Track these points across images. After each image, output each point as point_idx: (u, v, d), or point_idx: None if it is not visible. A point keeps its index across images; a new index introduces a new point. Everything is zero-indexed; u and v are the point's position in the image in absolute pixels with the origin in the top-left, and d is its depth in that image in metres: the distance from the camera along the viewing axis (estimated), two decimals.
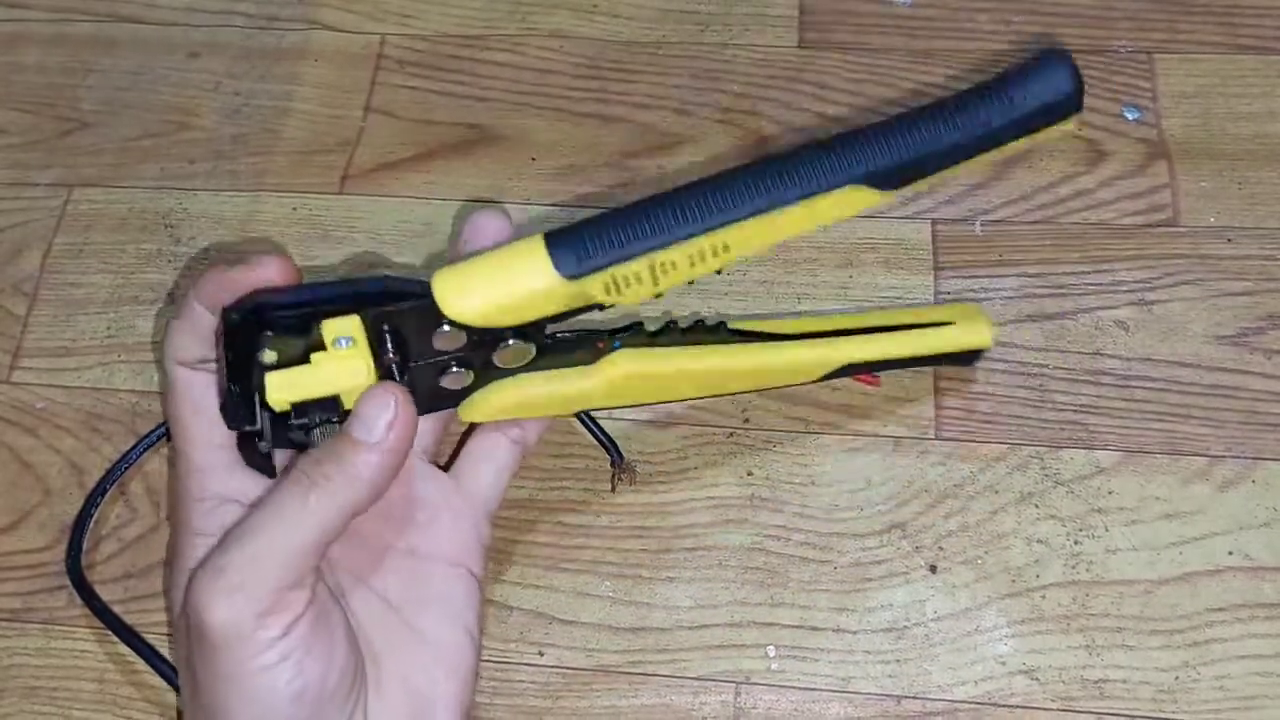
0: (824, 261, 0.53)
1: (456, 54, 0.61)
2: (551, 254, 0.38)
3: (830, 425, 0.49)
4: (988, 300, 0.51)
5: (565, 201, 0.55)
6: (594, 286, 0.38)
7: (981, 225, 0.53)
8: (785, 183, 0.38)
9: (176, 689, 0.45)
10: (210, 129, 0.59)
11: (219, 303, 0.38)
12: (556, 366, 0.43)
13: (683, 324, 0.46)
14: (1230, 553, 0.46)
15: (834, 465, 0.49)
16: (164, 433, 0.49)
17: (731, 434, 0.49)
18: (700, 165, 0.56)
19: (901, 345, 0.47)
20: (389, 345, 0.39)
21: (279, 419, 0.39)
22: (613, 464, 0.48)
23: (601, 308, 0.39)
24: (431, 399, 0.42)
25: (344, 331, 0.38)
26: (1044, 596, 0.45)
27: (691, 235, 0.38)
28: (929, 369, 0.50)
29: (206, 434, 0.39)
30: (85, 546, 0.48)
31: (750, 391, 0.48)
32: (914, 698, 0.44)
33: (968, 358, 0.49)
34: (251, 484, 0.39)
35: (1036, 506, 0.47)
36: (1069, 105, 0.38)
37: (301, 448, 0.40)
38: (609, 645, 0.46)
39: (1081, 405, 0.49)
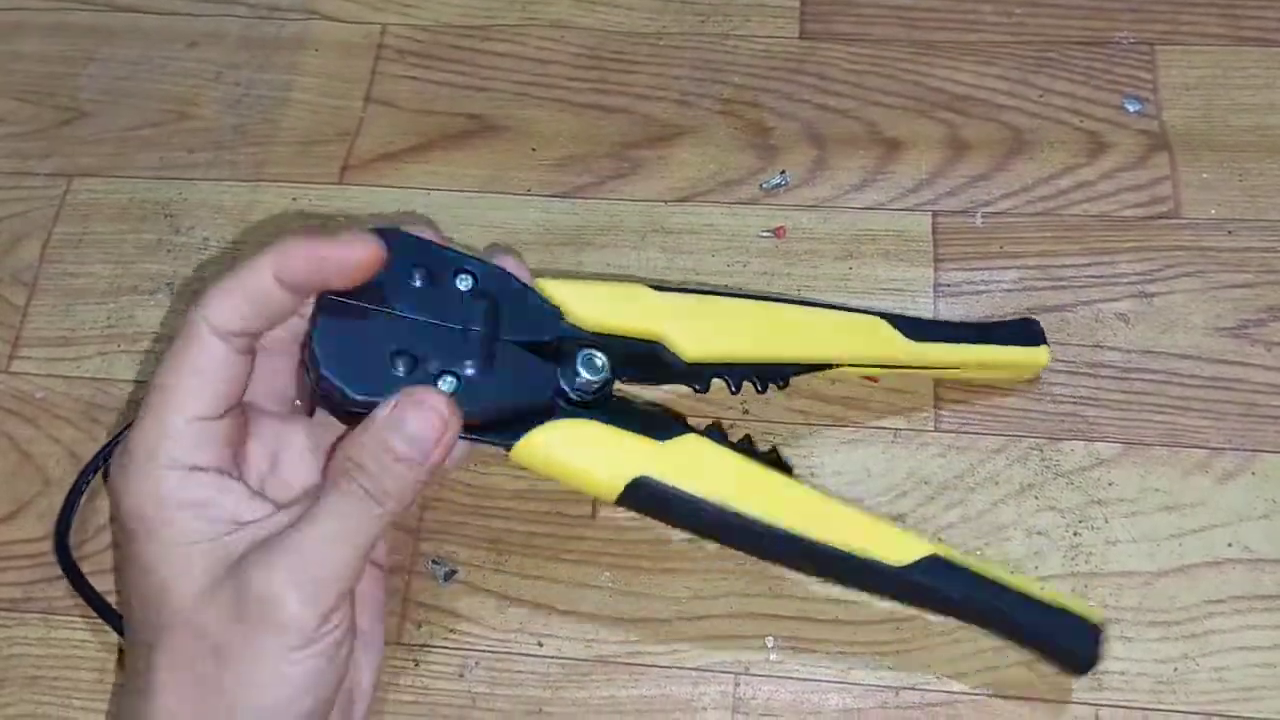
0: (824, 253, 0.53)
1: (457, 44, 0.60)
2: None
3: (830, 417, 0.49)
4: (988, 293, 0.51)
5: (565, 191, 0.55)
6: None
7: (982, 217, 0.53)
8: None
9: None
10: (210, 119, 0.59)
11: (296, 277, 0.36)
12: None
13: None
14: (1229, 545, 0.46)
15: (834, 457, 0.49)
16: None
17: (732, 425, 0.49)
18: (700, 156, 0.56)
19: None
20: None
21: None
22: None
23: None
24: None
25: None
26: (1043, 588, 0.45)
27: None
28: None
29: (195, 403, 0.36)
30: (85, 539, 0.48)
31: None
32: (913, 689, 0.44)
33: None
34: (216, 456, 0.37)
35: (1036, 498, 0.47)
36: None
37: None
38: (608, 636, 0.46)
39: (1081, 397, 0.49)
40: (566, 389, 0.41)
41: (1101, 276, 0.51)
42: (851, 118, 0.56)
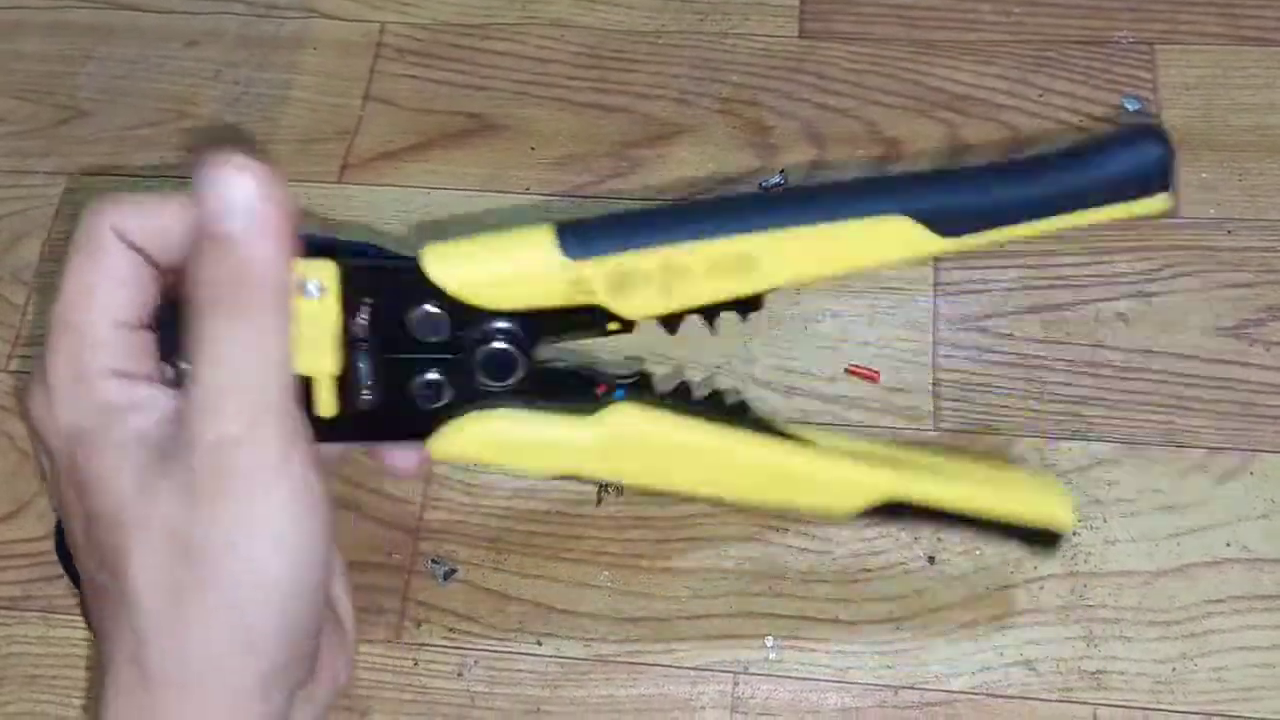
0: None
1: (456, 43, 0.60)
2: (558, 235, 0.34)
3: (830, 415, 0.49)
4: (987, 291, 0.51)
5: (565, 191, 0.55)
6: (597, 276, 0.34)
7: None
8: (823, 201, 0.34)
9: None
10: (209, 118, 0.59)
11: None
12: (552, 406, 0.36)
13: (697, 392, 0.39)
14: (1228, 544, 0.46)
15: None
16: None
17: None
18: (700, 155, 0.56)
19: (968, 493, 0.39)
20: (363, 313, 0.34)
21: None
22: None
23: (605, 327, 0.35)
24: (395, 418, 0.35)
25: (317, 275, 0.32)
26: (1042, 587, 0.45)
27: (708, 235, 0.34)
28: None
29: (118, 309, 0.32)
30: None
31: (763, 506, 0.39)
32: (911, 688, 0.44)
33: (1041, 537, 0.40)
34: (147, 367, 0.33)
35: None
36: (1154, 179, 0.34)
37: None
38: (608, 635, 0.46)
39: (1081, 396, 0.49)
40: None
41: (1101, 276, 0.51)
42: (851, 117, 0.56)
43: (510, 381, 0.36)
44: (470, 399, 0.36)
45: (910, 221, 0.34)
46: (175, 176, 0.57)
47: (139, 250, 0.32)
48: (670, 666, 0.45)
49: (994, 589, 0.46)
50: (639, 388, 0.38)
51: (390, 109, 0.58)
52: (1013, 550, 0.46)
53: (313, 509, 0.31)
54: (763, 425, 0.38)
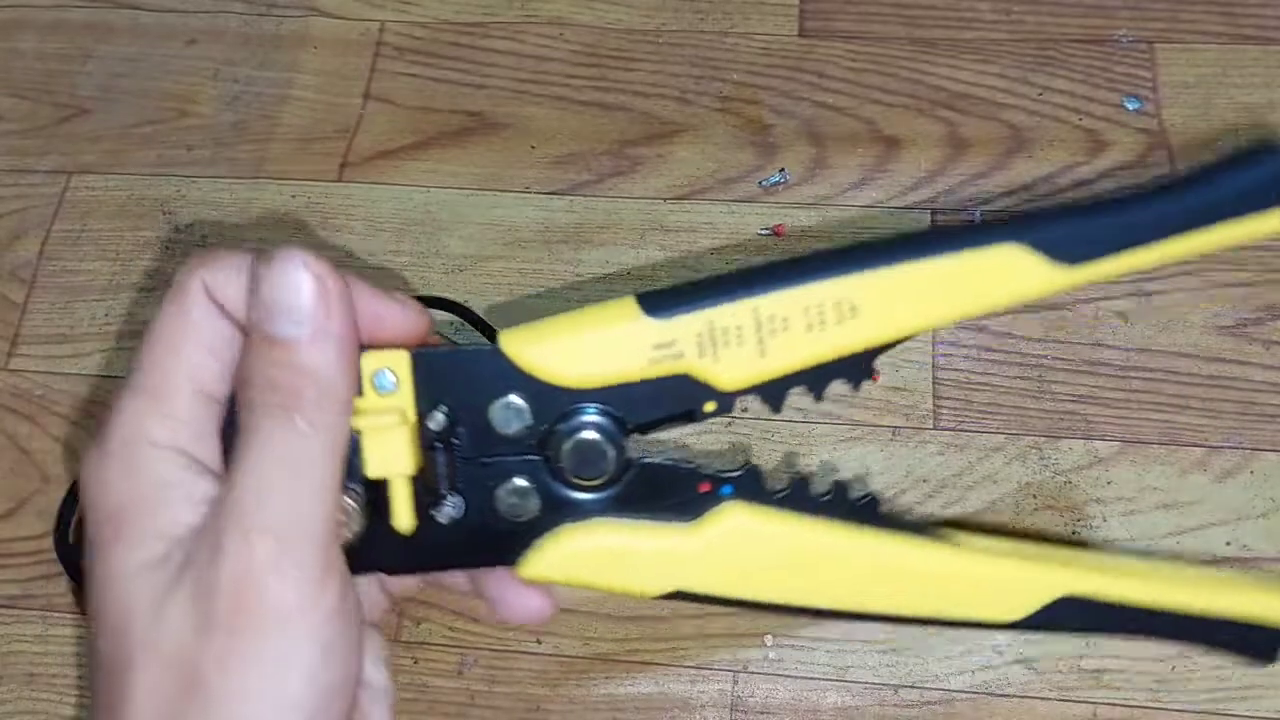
0: None
1: (456, 41, 0.60)
2: (640, 301, 0.31)
3: (828, 414, 0.49)
4: None
5: (564, 190, 0.55)
6: (685, 335, 0.31)
7: (981, 215, 0.53)
8: (926, 238, 0.31)
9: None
10: (209, 116, 0.59)
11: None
12: (648, 514, 0.33)
13: (816, 486, 0.34)
14: (1228, 543, 0.46)
15: (832, 454, 0.49)
16: None
17: (730, 423, 0.49)
18: (700, 153, 0.56)
19: (1163, 586, 0.34)
20: (441, 407, 0.31)
21: None
22: None
23: (701, 408, 0.31)
24: (479, 536, 0.32)
25: (388, 365, 0.30)
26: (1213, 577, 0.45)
27: (801, 279, 0.30)
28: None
29: (196, 378, 0.30)
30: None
31: (907, 617, 0.34)
32: (911, 687, 0.44)
33: (1258, 640, 0.35)
34: (213, 453, 0.30)
35: (1035, 496, 0.47)
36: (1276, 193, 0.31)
37: None
38: (607, 633, 0.46)
39: (1080, 395, 0.49)
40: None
41: None
42: (850, 115, 0.56)
43: (601, 480, 0.32)
44: (560, 509, 0.32)
45: (1026, 250, 0.30)
46: (174, 175, 0.57)
47: (231, 316, 0.30)
48: (670, 665, 0.45)
49: None
50: (748, 483, 0.33)
51: (390, 107, 0.58)
52: None
53: (337, 649, 0.28)
54: (898, 524, 0.34)
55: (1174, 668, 0.44)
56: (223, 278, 0.30)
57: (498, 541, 0.32)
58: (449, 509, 0.32)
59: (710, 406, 0.32)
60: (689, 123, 0.57)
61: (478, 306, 0.52)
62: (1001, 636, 0.45)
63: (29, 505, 0.50)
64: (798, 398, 0.32)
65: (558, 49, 0.60)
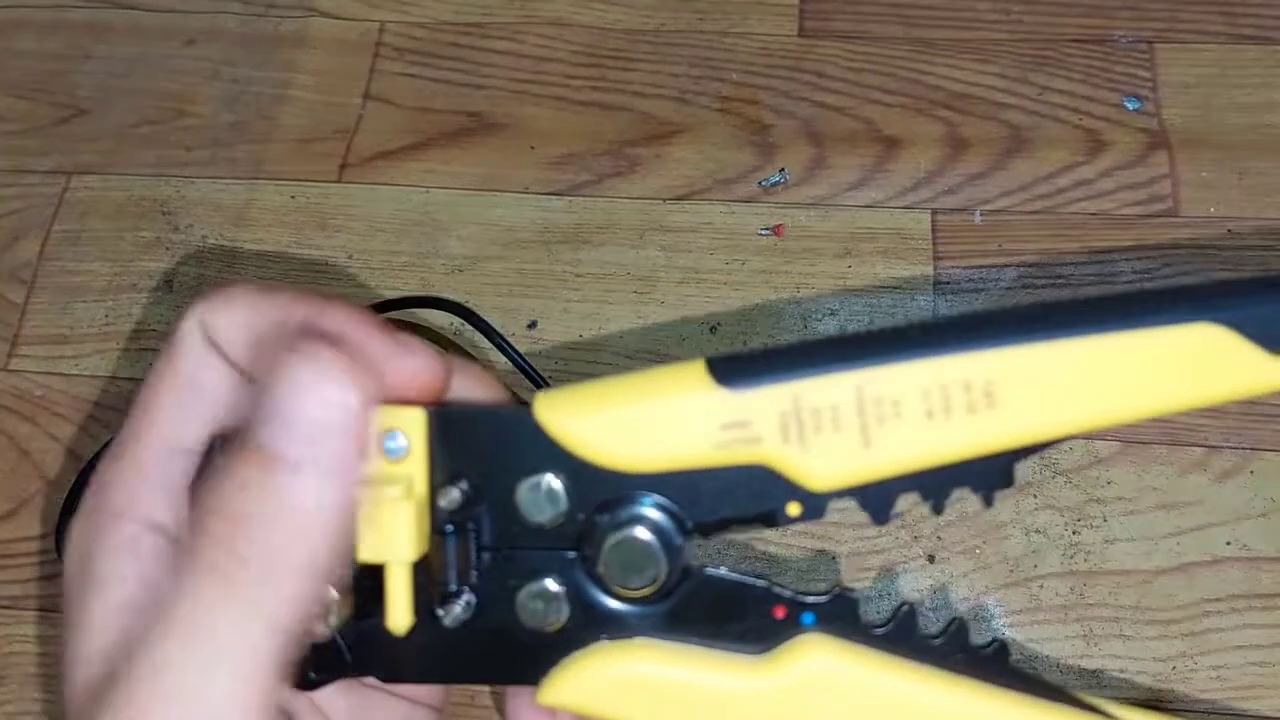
0: (822, 251, 0.53)
1: (455, 41, 0.60)
2: (711, 366, 0.24)
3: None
4: (986, 291, 0.51)
5: (563, 190, 0.55)
6: (766, 414, 0.24)
7: (981, 215, 0.53)
8: (1097, 307, 0.24)
9: None
10: (208, 116, 0.59)
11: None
12: (706, 639, 0.26)
13: (926, 623, 0.28)
14: (1228, 543, 0.46)
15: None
16: None
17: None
18: (699, 153, 0.56)
19: None
20: (458, 482, 0.25)
21: None
22: None
23: (784, 509, 0.25)
24: (492, 645, 0.26)
25: (399, 424, 0.24)
26: (1042, 586, 0.45)
27: (925, 352, 0.23)
28: None
29: (180, 429, 0.26)
30: None
31: None
32: None
33: None
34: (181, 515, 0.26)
35: (1035, 496, 0.47)
36: None
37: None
38: None
39: None
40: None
41: (1100, 274, 0.51)
42: (850, 115, 0.56)
43: (650, 590, 0.26)
44: (595, 621, 0.26)
45: (1226, 332, 0.23)
46: (173, 175, 0.57)
47: (233, 364, 0.25)
48: None
49: (993, 588, 0.45)
50: (837, 611, 0.27)
51: (389, 108, 0.58)
52: (1012, 549, 0.46)
53: None
54: (1034, 684, 0.26)
55: (1174, 667, 0.44)
56: (224, 319, 0.25)
57: (515, 654, 0.26)
58: (457, 609, 0.25)
59: (794, 509, 0.25)
60: (688, 123, 0.57)
61: (477, 307, 0.52)
62: (1001, 637, 0.45)
63: (29, 506, 0.50)
64: (910, 504, 0.25)
65: (557, 49, 0.60)
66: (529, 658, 0.26)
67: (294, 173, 0.57)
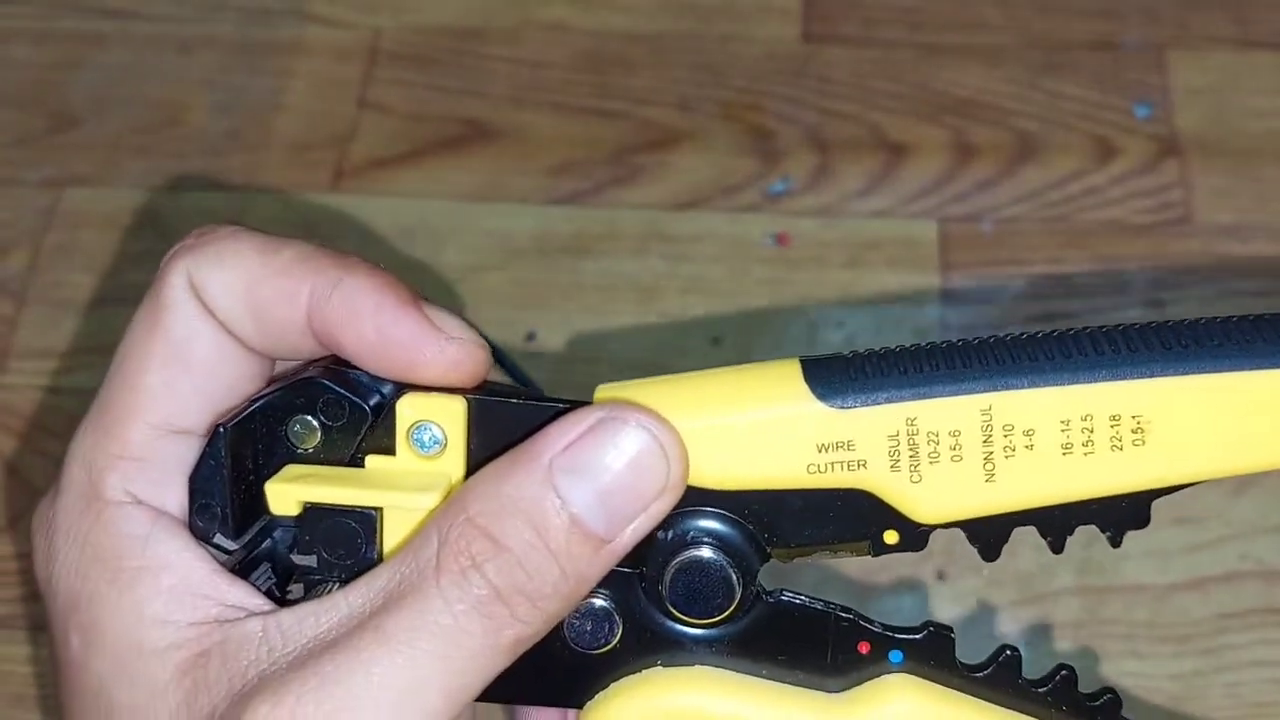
0: (828, 260, 0.52)
1: (452, 48, 0.60)
2: (807, 372, 0.22)
3: None
4: (996, 300, 0.51)
5: (563, 199, 0.55)
6: (871, 437, 0.21)
7: (990, 223, 0.53)
8: (1267, 332, 0.21)
9: None
10: (202, 125, 0.58)
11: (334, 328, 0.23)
12: (779, 671, 0.24)
13: (1029, 668, 0.25)
14: (1243, 558, 0.45)
15: None
16: None
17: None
18: (701, 161, 0.55)
19: None
20: None
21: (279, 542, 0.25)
22: None
23: (881, 538, 0.23)
24: (535, 666, 0.23)
25: (434, 416, 0.23)
26: (1055, 603, 0.45)
27: (1068, 377, 0.21)
28: None
29: (172, 406, 0.24)
30: None
31: None
32: None
33: None
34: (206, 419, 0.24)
35: None
36: None
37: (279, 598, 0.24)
38: None
39: None
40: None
41: (1112, 284, 0.51)
42: (855, 122, 0.56)
43: (716, 618, 0.23)
44: (650, 644, 0.23)
45: None
46: (166, 185, 0.56)
47: (222, 323, 0.23)
48: None
49: (1005, 605, 0.45)
50: (929, 650, 0.24)
51: (385, 115, 0.58)
52: (1024, 565, 0.46)
53: None
54: None
55: (1188, 685, 0.43)
56: (217, 280, 0.23)
57: (558, 675, 0.24)
58: None
59: (892, 538, 0.23)
60: (690, 130, 0.56)
61: (474, 318, 0.51)
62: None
63: (18, 523, 0.49)
64: (1023, 540, 0.22)
65: (556, 55, 0.59)
66: (572, 680, 0.23)
67: (288, 182, 0.56)
